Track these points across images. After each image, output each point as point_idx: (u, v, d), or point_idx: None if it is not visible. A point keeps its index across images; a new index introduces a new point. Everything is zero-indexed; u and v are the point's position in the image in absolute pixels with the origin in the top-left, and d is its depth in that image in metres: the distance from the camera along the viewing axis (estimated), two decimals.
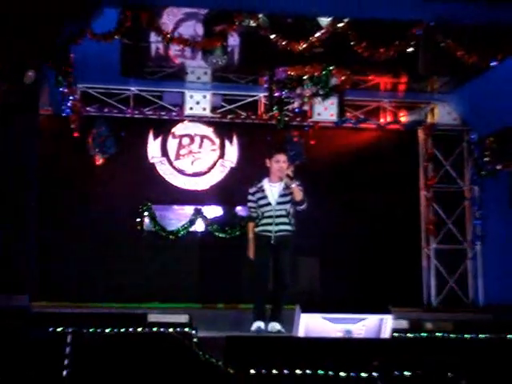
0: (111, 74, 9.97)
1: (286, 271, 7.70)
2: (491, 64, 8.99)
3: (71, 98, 9.94)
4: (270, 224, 7.73)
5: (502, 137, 10.60)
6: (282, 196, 7.76)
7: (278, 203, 7.73)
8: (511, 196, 10.94)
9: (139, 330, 6.23)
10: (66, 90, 9.64)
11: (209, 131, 11.32)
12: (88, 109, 10.82)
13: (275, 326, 7.54)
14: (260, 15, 8.68)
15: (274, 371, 5.60)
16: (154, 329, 6.51)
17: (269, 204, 7.78)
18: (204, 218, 11.03)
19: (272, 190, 7.81)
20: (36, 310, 8.18)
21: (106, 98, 10.95)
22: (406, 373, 5.69)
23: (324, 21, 8.90)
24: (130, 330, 6.26)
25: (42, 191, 9.45)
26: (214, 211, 11.17)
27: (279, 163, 7.80)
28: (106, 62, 9.34)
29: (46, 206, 10.14)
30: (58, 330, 6.26)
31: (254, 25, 8.83)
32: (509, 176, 10.87)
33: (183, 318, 7.02)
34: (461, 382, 5.69)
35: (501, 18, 8.31)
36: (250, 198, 7.95)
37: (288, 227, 7.75)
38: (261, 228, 7.83)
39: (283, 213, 7.72)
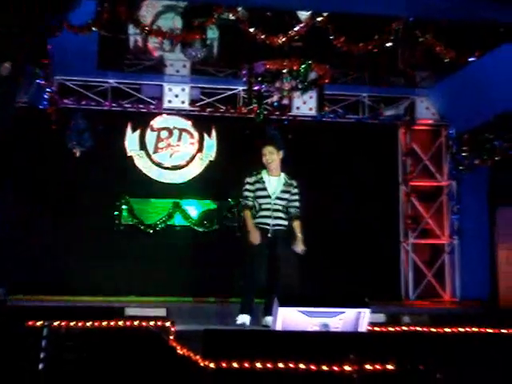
0: (89, 67, 9.93)
1: (280, 266, 7.58)
2: (469, 60, 9.04)
3: (48, 90, 9.86)
4: (269, 217, 7.59)
5: (479, 132, 10.65)
6: (282, 192, 7.64)
7: (278, 198, 7.62)
8: (491, 192, 11.02)
9: (116, 323, 6.21)
10: (43, 82, 9.56)
11: (187, 124, 11.28)
12: (65, 101, 10.72)
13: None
14: (239, 8, 8.66)
15: (251, 364, 5.59)
16: (132, 322, 6.51)
17: (268, 197, 7.62)
18: (182, 211, 11.02)
19: (272, 182, 7.67)
20: (13, 303, 8.16)
21: (84, 91, 10.87)
22: (382, 366, 5.71)
23: (303, 15, 8.90)
24: (107, 323, 6.24)
25: (19, 183, 9.40)
26: (192, 205, 11.17)
27: (265, 156, 7.70)
28: (83, 54, 9.29)
29: (23, 199, 10.08)
30: (35, 323, 6.24)
31: (233, 18, 8.81)
32: (489, 172, 10.93)
33: (161, 312, 7.04)
34: (437, 375, 5.72)
35: (479, 14, 8.34)
36: (248, 187, 7.70)
37: (284, 222, 7.64)
38: (258, 220, 7.62)
39: (281, 208, 7.61)
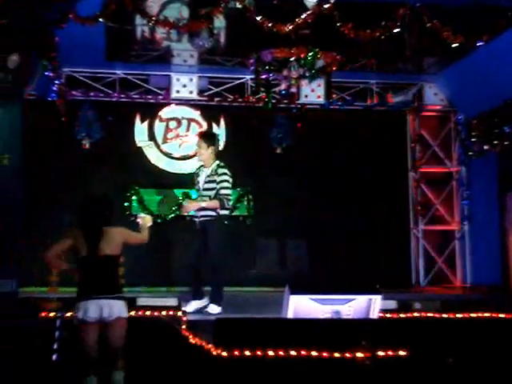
0: (97, 58, 9.91)
1: (212, 253, 7.59)
2: (477, 45, 8.99)
3: (56, 82, 9.85)
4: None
5: (488, 118, 10.61)
6: (206, 183, 7.69)
7: (204, 189, 7.69)
8: (501, 178, 10.99)
9: (129, 313, 6.23)
10: (51, 75, 9.55)
11: (196, 114, 11.29)
12: (74, 93, 10.72)
13: (212, 309, 7.48)
14: None
15: (264, 353, 5.62)
16: (144, 312, 6.55)
17: (198, 189, 7.82)
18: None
19: (202, 175, 7.78)
20: (24, 295, 8.20)
21: (92, 82, 10.88)
22: (394, 352, 5.72)
23: (310, 2, 8.87)
24: None
25: (29, 177, 9.42)
26: None
27: (197, 150, 7.96)
28: (91, 45, 9.27)
29: (34, 192, 10.11)
30: (48, 314, 6.29)
31: (239, 7, 8.78)
32: (498, 158, 10.89)
33: (172, 302, 7.06)
34: (448, 360, 5.74)
35: None
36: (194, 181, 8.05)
37: (211, 212, 7.62)
38: (191, 213, 8.02)
39: (207, 199, 7.61)
